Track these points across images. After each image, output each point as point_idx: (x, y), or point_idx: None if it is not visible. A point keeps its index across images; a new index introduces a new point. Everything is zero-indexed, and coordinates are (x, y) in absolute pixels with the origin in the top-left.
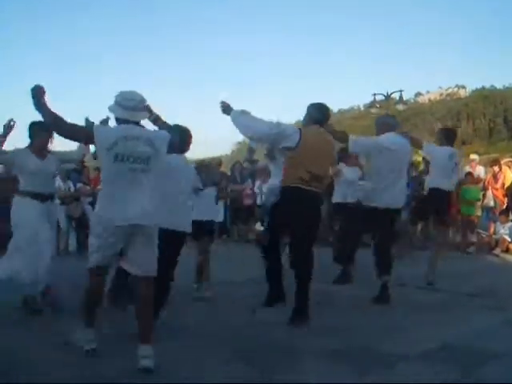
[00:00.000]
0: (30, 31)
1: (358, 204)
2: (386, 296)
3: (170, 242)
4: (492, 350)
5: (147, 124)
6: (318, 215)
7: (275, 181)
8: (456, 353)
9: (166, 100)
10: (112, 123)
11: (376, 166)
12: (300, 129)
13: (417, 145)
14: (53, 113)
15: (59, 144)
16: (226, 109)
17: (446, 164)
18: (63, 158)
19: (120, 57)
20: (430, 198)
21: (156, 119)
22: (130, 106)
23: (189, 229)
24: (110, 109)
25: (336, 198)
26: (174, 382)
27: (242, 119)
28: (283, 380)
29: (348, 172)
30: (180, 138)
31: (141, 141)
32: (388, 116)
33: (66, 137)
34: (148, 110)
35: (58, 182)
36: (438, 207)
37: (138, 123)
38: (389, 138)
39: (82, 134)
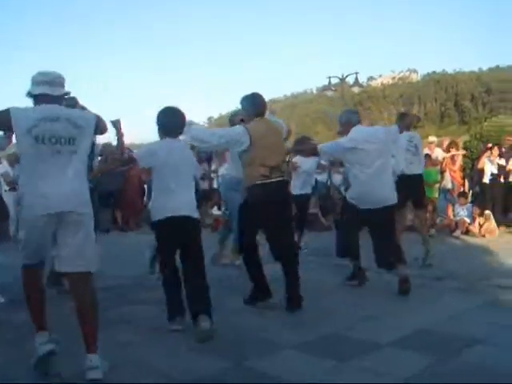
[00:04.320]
0: None
1: (351, 205)
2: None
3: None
4: (469, 335)
5: None
6: (287, 202)
7: (230, 170)
8: (432, 339)
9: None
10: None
11: (354, 164)
12: (246, 128)
13: None
14: None
15: None
16: None
17: (406, 147)
18: None
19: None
20: (400, 185)
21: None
22: (46, 80)
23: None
24: (28, 91)
25: (293, 190)
26: (146, 373)
27: (192, 133)
28: (257, 371)
29: (304, 163)
30: (171, 120)
31: (61, 121)
32: (348, 112)
33: None
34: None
35: (6, 168)
36: (411, 192)
37: (56, 100)
38: (357, 135)
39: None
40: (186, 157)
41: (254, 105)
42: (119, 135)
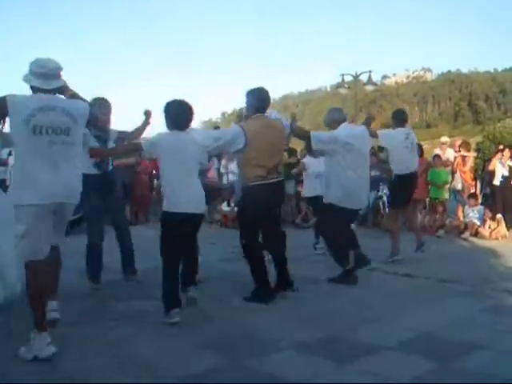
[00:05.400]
0: None
1: (329, 206)
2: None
3: (188, 225)
4: (471, 340)
5: None
6: (281, 201)
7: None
8: (434, 343)
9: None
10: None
11: (339, 162)
12: (242, 127)
13: (374, 135)
14: None
15: None
16: None
17: (404, 145)
18: None
19: None
20: (401, 185)
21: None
22: (42, 73)
23: (203, 210)
24: (25, 78)
25: (307, 193)
26: (143, 370)
27: None
28: (253, 369)
29: (314, 164)
30: (180, 113)
31: (58, 111)
32: (333, 110)
33: None
34: (65, 89)
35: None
36: (409, 192)
37: (52, 92)
38: (346, 131)
39: None
40: (192, 150)
41: (257, 100)
42: (145, 124)
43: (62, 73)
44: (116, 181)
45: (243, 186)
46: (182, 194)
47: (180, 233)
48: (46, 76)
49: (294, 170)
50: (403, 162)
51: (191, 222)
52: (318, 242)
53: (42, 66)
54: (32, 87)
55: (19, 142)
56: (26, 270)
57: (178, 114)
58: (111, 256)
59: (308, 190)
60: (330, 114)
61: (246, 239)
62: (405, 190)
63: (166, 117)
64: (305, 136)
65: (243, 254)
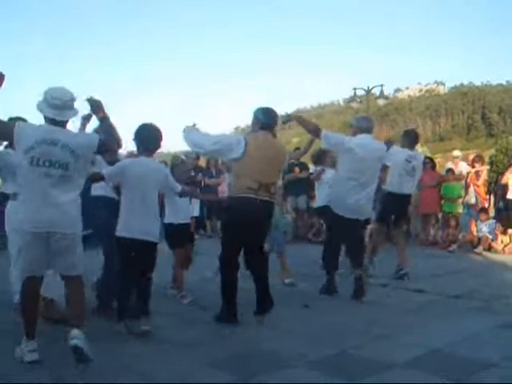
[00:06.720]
0: None
1: (327, 209)
2: (361, 291)
3: (139, 251)
4: (484, 357)
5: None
6: (267, 223)
7: None
8: (446, 361)
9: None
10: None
11: (342, 168)
12: (245, 138)
13: None
14: None
15: None
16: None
17: (403, 167)
18: None
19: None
20: (388, 203)
21: (103, 118)
22: (56, 105)
23: (156, 238)
24: (39, 107)
25: (318, 203)
26: None
27: (190, 137)
28: None
29: (329, 173)
30: (149, 137)
31: (58, 146)
32: (363, 118)
33: None
34: (98, 107)
35: None
36: (396, 211)
37: (63, 124)
38: (359, 140)
39: (3, 131)
40: (154, 178)
41: (263, 115)
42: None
43: (75, 103)
44: None
45: (230, 195)
46: (135, 220)
47: (130, 257)
48: (60, 107)
49: (312, 176)
50: (393, 182)
51: (141, 248)
52: None
53: (57, 98)
54: (45, 117)
55: (19, 171)
56: (22, 286)
57: (144, 138)
58: None
59: (318, 200)
60: (357, 119)
61: (225, 254)
62: (393, 209)
63: (135, 140)
64: (315, 132)
65: (219, 267)
